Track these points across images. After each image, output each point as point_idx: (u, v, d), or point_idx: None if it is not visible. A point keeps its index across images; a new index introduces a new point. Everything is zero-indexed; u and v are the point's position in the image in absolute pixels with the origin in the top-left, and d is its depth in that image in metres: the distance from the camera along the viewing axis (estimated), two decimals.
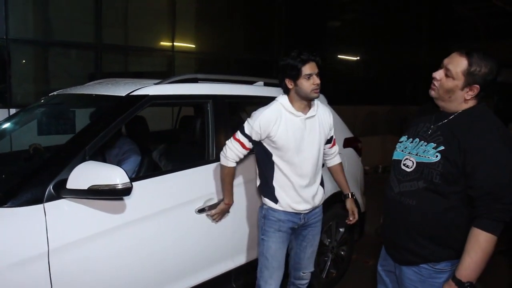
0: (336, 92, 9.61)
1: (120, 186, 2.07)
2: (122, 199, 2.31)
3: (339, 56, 11.40)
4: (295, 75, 2.53)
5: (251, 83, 3.46)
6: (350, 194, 2.93)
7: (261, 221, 2.76)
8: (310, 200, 2.73)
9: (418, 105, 12.00)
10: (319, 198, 2.81)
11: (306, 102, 2.63)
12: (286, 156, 2.62)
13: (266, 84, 3.51)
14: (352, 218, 2.89)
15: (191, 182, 2.73)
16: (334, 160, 2.97)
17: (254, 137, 2.61)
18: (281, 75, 2.60)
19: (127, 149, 3.34)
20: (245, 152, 2.65)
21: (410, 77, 13.17)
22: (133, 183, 2.19)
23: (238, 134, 2.64)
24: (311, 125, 2.66)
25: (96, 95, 2.82)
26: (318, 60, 2.56)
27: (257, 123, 2.57)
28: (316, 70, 2.55)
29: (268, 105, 2.65)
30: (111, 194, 2.08)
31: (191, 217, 2.68)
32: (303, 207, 2.72)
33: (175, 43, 7.52)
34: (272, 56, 9.31)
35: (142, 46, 7.17)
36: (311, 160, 2.68)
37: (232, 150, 2.64)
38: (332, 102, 3.75)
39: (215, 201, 2.79)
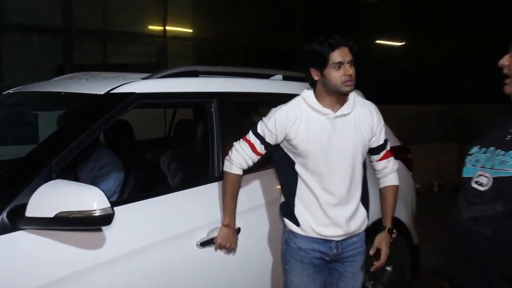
0: (374, 88, 9.55)
1: (97, 213, 2.04)
2: (100, 229, 2.28)
3: (377, 41, 11.40)
4: (322, 64, 2.56)
5: (266, 77, 3.47)
6: (388, 228, 2.88)
7: (283, 246, 2.81)
8: (342, 223, 2.71)
9: (487, 103, 12.02)
10: (357, 223, 2.78)
11: (337, 97, 2.64)
12: (309, 164, 2.65)
13: (285, 78, 3.51)
14: (375, 262, 2.86)
15: (191, 206, 2.71)
16: (386, 180, 2.91)
17: (268, 139, 2.67)
18: (306, 63, 2.64)
19: (105, 163, 3.34)
20: (254, 157, 2.70)
21: (474, 67, 13.09)
22: (114, 208, 2.15)
23: (249, 134, 2.70)
24: (343, 127, 2.65)
25: (66, 93, 2.82)
26: (351, 45, 2.59)
27: (272, 122, 2.63)
28: (349, 58, 2.57)
29: (288, 102, 2.70)
30: (86, 223, 2.06)
31: (192, 253, 2.64)
32: (332, 232, 2.70)
33: (167, 27, 7.59)
34: (293, 43, 9.34)
35: (125, 31, 7.27)
36: (342, 172, 2.66)
37: (239, 153, 2.69)
38: (369, 101, 3.72)
39: None
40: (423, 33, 11.94)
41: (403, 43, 11.94)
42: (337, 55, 2.54)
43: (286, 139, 2.64)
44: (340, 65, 2.54)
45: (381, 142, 2.81)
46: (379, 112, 2.81)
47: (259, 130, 2.66)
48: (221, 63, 8.01)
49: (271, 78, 3.47)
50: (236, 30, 8.51)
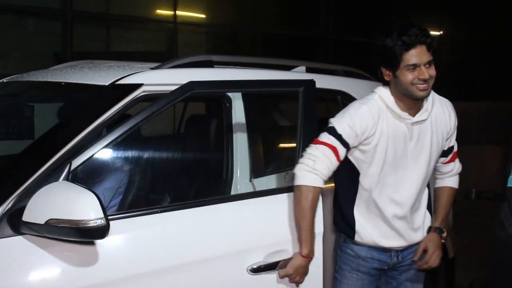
0: None
1: (88, 224, 2.01)
2: (93, 243, 2.23)
3: None
4: (395, 65, 2.51)
5: (288, 68, 3.46)
6: (435, 228, 2.85)
7: (336, 252, 2.82)
8: (407, 234, 2.74)
9: None
10: (423, 231, 2.81)
11: (412, 100, 2.59)
12: (378, 172, 2.62)
13: (309, 71, 3.48)
14: (422, 263, 2.81)
15: (245, 222, 2.62)
16: (447, 181, 2.93)
17: (351, 141, 2.56)
18: (377, 61, 2.60)
19: (109, 160, 3.27)
20: (337, 164, 2.57)
21: None
22: (121, 219, 2.19)
23: (327, 136, 2.56)
24: (420, 133, 2.64)
25: (66, 83, 2.81)
26: (430, 42, 2.50)
27: (358, 120, 2.53)
28: (426, 59, 2.50)
29: (362, 98, 2.66)
30: (74, 234, 2.04)
31: (239, 278, 2.54)
32: (396, 243, 2.72)
33: (178, 12, 7.55)
34: (318, 31, 9.29)
35: (131, 15, 7.23)
36: (413, 181, 2.67)
37: (323, 161, 2.53)
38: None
39: (288, 254, 2.64)
40: (463, 21, 11.82)
41: (441, 32, 11.83)
42: (412, 56, 2.47)
43: (362, 143, 2.57)
44: (415, 67, 2.48)
45: (452, 143, 2.83)
46: (455, 111, 2.78)
47: (339, 131, 2.54)
48: (237, 52, 8.00)
49: (293, 70, 3.45)
50: (255, 15, 8.47)
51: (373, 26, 10.32)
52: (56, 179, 2.18)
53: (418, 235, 2.77)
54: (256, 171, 3.17)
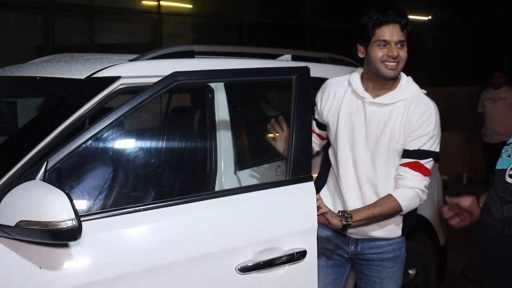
0: None
1: (58, 225, 1.93)
2: (67, 245, 2.14)
3: None
4: (366, 40, 2.62)
5: (273, 57, 3.43)
6: (345, 213, 2.62)
7: None
8: (363, 227, 2.70)
9: None
10: (381, 228, 2.75)
11: (382, 82, 2.65)
12: (336, 148, 2.76)
13: (295, 59, 3.46)
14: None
15: (234, 218, 2.50)
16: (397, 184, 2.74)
17: (317, 116, 2.88)
18: (354, 39, 2.73)
19: (91, 156, 3.26)
20: (315, 140, 2.90)
21: (510, 44, 12.95)
22: (103, 217, 2.13)
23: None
24: (374, 115, 2.64)
25: (41, 78, 2.77)
26: (405, 23, 2.59)
27: (318, 95, 2.87)
28: (398, 38, 2.57)
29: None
30: (44, 236, 1.96)
31: (226, 277, 2.41)
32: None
33: (162, 2, 7.51)
34: (304, 19, 9.25)
35: (114, 7, 7.17)
36: (367, 163, 2.66)
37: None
38: None
39: (280, 251, 2.50)
40: (452, 4, 11.81)
41: (429, 17, 11.82)
42: (383, 32, 2.56)
43: (323, 117, 2.80)
44: (385, 43, 2.56)
45: (413, 148, 2.66)
46: (434, 116, 2.68)
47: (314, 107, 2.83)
48: (223, 42, 7.96)
49: (278, 58, 3.43)
50: (240, 4, 8.45)
51: (360, 13, 10.26)
52: (32, 178, 2.10)
53: (373, 229, 2.72)
54: (241, 163, 3.13)
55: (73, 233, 1.96)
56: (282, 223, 2.54)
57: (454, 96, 11.46)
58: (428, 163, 2.66)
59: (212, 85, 2.99)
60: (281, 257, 2.47)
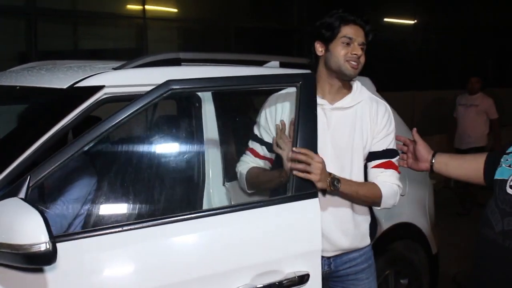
0: (383, 72, 9.45)
1: (29, 249, 1.82)
2: (41, 270, 2.03)
3: (386, 19, 11.33)
4: (330, 36, 2.61)
5: (260, 63, 3.35)
6: (336, 179, 2.53)
7: None
8: (335, 237, 2.64)
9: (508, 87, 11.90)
10: (352, 238, 2.69)
11: (339, 83, 2.65)
12: None
13: (283, 65, 3.38)
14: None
15: (231, 238, 2.37)
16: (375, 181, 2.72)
17: (267, 138, 2.71)
18: (312, 37, 2.70)
19: (74, 167, 3.26)
20: (260, 162, 2.74)
21: (495, 47, 13.01)
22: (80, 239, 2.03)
23: (249, 142, 2.79)
24: (339, 121, 2.63)
25: (21, 87, 2.70)
26: (368, 30, 2.64)
27: (263, 115, 2.72)
28: (361, 39, 2.61)
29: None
30: (15, 260, 1.87)
31: None
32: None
33: (147, 7, 7.46)
34: (292, 24, 9.23)
35: (98, 12, 7.12)
36: (336, 172, 2.57)
37: (242, 161, 2.78)
38: (379, 87, 3.77)
39: (281, 274, 2.38)
40: (438, 9, 11.87)
41: (415, 21, 11.86)
42: (349, 30, 2.59)
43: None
44: (350, 42, 2.58)
45: (382, 148, 2.68)
46: (392, 115, 2.74)
47: (255, 131, 2.71)
48: (210, 47, 7.94)
49: (265, 65, 3.35)
50: (227, 9, 8.43)
51: None
52: (14, 195, 2.00)
53: (345, 240, 2.67)
54: (230, 174, 3.06)
55: (47, 258, 1.86)
56: (283, 244, 2.42)
57: (440, 99, 11.50)
58: (397, 161, 2.71)
59: (199, 94, 2.91)
60: (281, 281, 2.36)
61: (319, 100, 2.62)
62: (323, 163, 2.41)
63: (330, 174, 2.47)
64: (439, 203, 4.99)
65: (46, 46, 6.51)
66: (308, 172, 2.38)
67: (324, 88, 2.65)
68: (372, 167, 2.69)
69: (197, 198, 2.93)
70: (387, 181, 2.64)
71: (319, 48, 2.66)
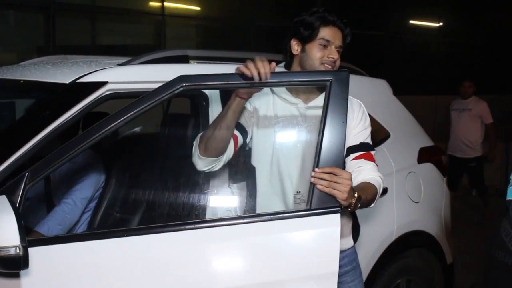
0: (405, 76, 9.35)
1: (0, 252, 1.78)
2: (17, 275, 1.96)
3: (411, 22, 11.17)
4: (308, 36, 2.54)
5: (276, 63, 3.27)
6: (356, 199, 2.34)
7: None
8: None
9: None
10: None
11: None
12: (267, 161, 2.60)
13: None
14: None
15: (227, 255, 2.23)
16: (362, 175, 2.58)
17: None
18: (289, 35, 2.62)
19: (82, 164, 3.27)
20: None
21: None
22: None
23: None
24: (316, 120, 2.53)
25: (24, 81, 2.67)
26: (346, 32, 2.57)
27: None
28: (339, 42, 2.56)
29: None
30: None
31: None
32: None
33: (166, 4, 7.44)
34: None
35: (117, 8, 7.12)
36: (306, 173, 2.46)
37: None
38: (399, 91, 3.73)
39: None
40: (464, 12, 11.70)
41: (440, 23, 11.70)
42: (328, 32, 2.53)
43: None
44: (327, 44, 2.52)
45: (360, 141, 2.60)
46: (366, 111, 2.69)
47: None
48: (229, 46, 7.86)
49: (278, 65, 3.28)
50: (247, 6, 8.36)
51: (370, 18, 10.17)
52: (9, 192, 1.95)
53: None
54: (235, 176, 2.93)
55: (17, 263, 1.79)
56: (296, 263, 2.23)
57: None
58: (375, 154, 2.64)
59: (207, 92, 2.84)
60: None
61: (293, 100, 2.57)
62: (350, 178, 2.22)
63: (354, 191, 2.26)
64: (461, 209, 4.87)
65: (64, 41, 6.53)
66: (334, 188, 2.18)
67: (298, 88, 2.58)
68: (352, 159, 2.57)
69: (200, 201, 2.83)
70: (372, 174, 2.53)
71: (295, 47, 2.60)
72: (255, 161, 2.60)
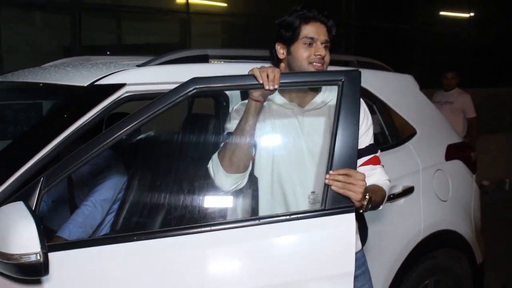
0: (434, 69, 9.20)
1: (21, 259, 1.76)
2: (38, 281, 1.95)
3: (441, 13, 11.02)
4: (291, 37, 2.45)
5: None
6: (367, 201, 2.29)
7: None
8: None
9: None
10: None
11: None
12: (276, 171, 2.49)
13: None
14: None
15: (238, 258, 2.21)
16: (371, 179, 2.53)
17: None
18: (273, 39, 2.54)
19: (103, 166, 3.26)
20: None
21: None
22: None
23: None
24: (313, 123, 2.47)
25: (44, 84, 2.68)
26: (330, 24, 2.48)
27: (227, 124, 2.50)
28: (324, 37, 2.46)
29: None
30: (8, 270, 1.80)
31: None
32: None
33: (190, 1, 7.44)
34: (339, 17, 9.17)
35: (142, 6, 7.14)
36: (314, 179, 2.44)
37: None
38: (426, 84, 3.49)
39: None
40: (494, 2, 11.52)
41: (471, 14, 11.54)
42: (310, 29, 2.43)
43: None
44: (312, 42, 2.43)
45: (365, 144, 2.52)
46: (367, 109, 2.59)
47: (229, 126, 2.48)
48: (254, 43, 7.83)
49: None
50: (272, 3, 8.29)
51: (397, 11, 10.05)
52: (24, 197, 1.94)
53: None
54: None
55: (38, 269, 1.78)
56: (312, 263, 2.20)
57: (498, 97, 11.20)
58: (380, 154, 2.59)
59: (228, 92, 2.81)
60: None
61: (288, 105, 2.47)
62: (364, 179, 2.20)
63: (367, 192, 2.23)
64: (491, 205, 4.75)
65: (90, 41, 6.59)
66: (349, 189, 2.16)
67: (291, 92, 2.48)
68: (360, 165, 2.48)
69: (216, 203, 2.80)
70: (380, 179, 2.50)
71: (281, 51, 2.50)
72: (257, 171, 2.49)
